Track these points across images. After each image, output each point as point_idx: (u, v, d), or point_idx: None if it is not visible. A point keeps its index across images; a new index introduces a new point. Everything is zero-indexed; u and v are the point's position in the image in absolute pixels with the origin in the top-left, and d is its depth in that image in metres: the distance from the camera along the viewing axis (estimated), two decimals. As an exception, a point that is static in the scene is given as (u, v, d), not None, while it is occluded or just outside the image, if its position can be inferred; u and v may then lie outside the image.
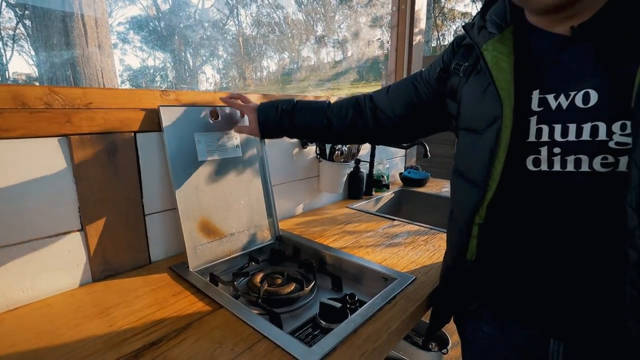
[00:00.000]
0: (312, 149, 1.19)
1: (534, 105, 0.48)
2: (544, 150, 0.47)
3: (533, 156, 0.48)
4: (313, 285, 0.77)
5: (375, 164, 1.45)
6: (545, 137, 0.47)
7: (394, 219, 1.14)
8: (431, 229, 1.05)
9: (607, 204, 0.44)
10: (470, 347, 0.65)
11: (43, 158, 0.63)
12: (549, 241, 0.49)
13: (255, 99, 0.97)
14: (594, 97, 0.44)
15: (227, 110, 0.90)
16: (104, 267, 0.73)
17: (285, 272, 0.81)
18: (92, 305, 0.64)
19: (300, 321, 0.67)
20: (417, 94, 0.70)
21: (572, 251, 0.48)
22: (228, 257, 0.85)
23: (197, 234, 0.81)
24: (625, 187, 0.41)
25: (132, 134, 0.74)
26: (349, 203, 1.33)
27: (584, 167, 0.45)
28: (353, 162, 1.28)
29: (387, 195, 1.47)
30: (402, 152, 1.72)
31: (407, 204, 1.57)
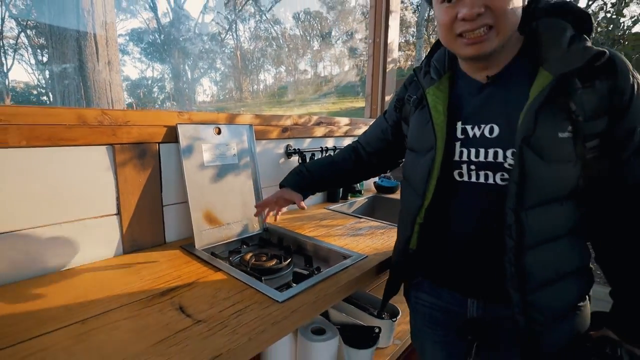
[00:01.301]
0: (295, 158, 1.44)
1: (458, 133, 0.67)
2: (464, 166, 0.66)
3: (457, 170, 0.67)
4: (289, 262, 1.02)
5: (351, 173, 1.70)
6: (464, 157, 0.66)
7: (361, 217, 1.39)
8: (389, 224, 1.30)
9: (499, 206, 0.62)
10: (415, 313, 0.85)
11: (96, 160, 0.88)
12: (467, 231, 0.68)
13: (249, 119, 1.23)
14: (496, 130, 0.63)
15: (230, 127, 1.15)
16: (132, 243, 0.97)
17: (269, 252, 1.06)
18: (126, 268, 0.87)
19: (278, 284, 0.91)
20: (385, 123, 0.91)
21: (482, 238, 0.66)
22: (225, 241, 1.10)
23: (202, 221, 1.05)
24: (507, 195, 0.60)
25: (157, 144, 0.99)
26: (327, 205, 1.58)
27: (490, 180, 0.63)
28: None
29: (360, 200, 1.73)
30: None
31: (380, 208, 1.82)
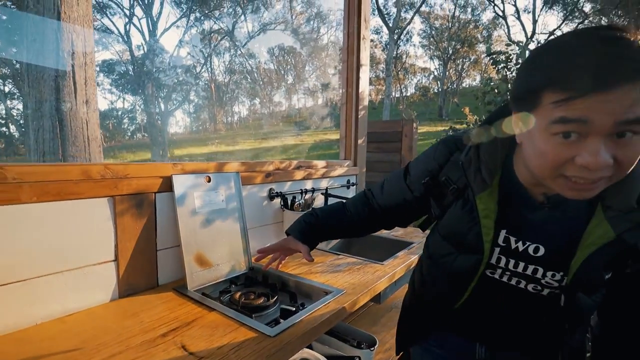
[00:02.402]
0: (277, 200, 1.56)
1: (500, 240, 0.65)
2: (498, 270, 0.68)
3: (490, 270, 0.69)
4: (276, 299, 1.11)
5: (328, 211, 1.83)
6: (502, 264, 0.67)
7: (339, 254, 1.51)
8: (364, 260, 1.43)
9: (529, 307, 0.69)
10: (419, 349, 0.89)
11: (98, 211, 0.96)
12: (493, 315, 0.74)
13: (236, 166, 1.35)
14: (541, 250, 0.62)
15: (219, 175, 1.26)
16: (127, 287, 1.03)
17: (257, 291, 1.14)
18: (124, 311, 0.94)
19: (267, 320, 1.00)
20: (408, 193, 0.81)
21: (503, 322, 0.74)
22: (215, 282, 1.17)
23: (194, 263, 1.13)
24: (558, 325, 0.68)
25: (153, 194, 1.08)
26: (306, 242, 1.68)
27: (521, 286, 0.67)
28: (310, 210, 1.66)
29: (338, 236, 1.85)
30: (351, 201, 2.13)
31: (356, 244, 1.95)
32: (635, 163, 0.47)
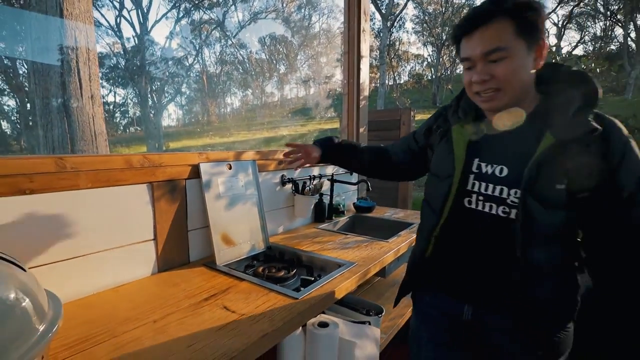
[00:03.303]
0: (289, 186, 1.69)
1: (474, 168, 0.80)
2: (474, 196, 0.79)
3: (468, 198, 0.81)
4: (295, 271, 1.25)
5: (334, 196, 1.97)
6: (475, 189, 0.79)
7: (347, 234, 1.65)
8: (370, 238, 1.57)
9: (502, 233, 0.76)
10: (417, 312, 0.99)
11: (138, 195, 1.09)
12: (470, 249, 0.82)
13: (252, 155, 1.48)
14: (505, 171, 0.75)
15: (238, 163, 1.39)
16: (164, 263, 1.16)
17: (277, 265, 1.28)
18: (165, 282, 1.07)
19: (291, 288, 1.14)
20: (410, 147, 1.05)
21: (481, 256, 0.80)
22: (239, 258, 1.31)
23: (220, 242, 1.26)
24: (514, 234, 0.73)
25: (184, 180, 1.21)
26: (316, 225, 1.82)
27: (493, 211, 0.76)
28: (318, 195, 1.79)
29: (343, 219, 1.99)
30: (353, 187, 2.27)
31: (359, 225, 2.09)
32: (510, 76, 0.70)
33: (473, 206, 0.80)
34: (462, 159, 0.81)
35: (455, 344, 0.90)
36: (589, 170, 0.68)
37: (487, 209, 0.78)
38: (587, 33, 20.18)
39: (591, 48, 19.74)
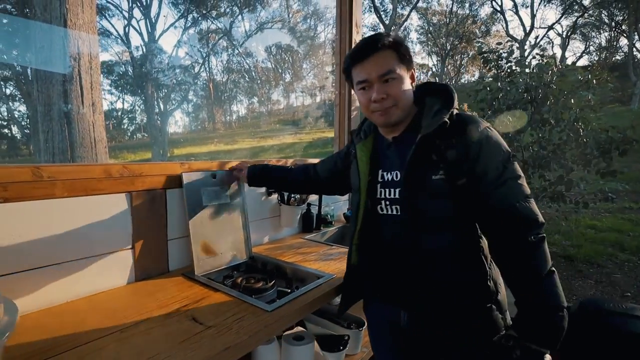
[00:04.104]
0: (275, 196, 1.69)
1: (379, 177, 0.95)
2: (383, 202, 0.94)
3: (379, 205, 0.94)
4: (273, 283, 1.24)
5: (322, 207, 1.97)
6: (383, 195, 0.94)
7: (332, 245, 1.65)
8: (355, 249, 1.56)
9: (402, 230, 0.90)
10: (368, 323, 1.13)
11: (116, 205, 1.10)
12: (384, 252, 0.95)
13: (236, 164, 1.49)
14: (398, 175, 0.91)
15: (223, 173, 1.40)
16: (142, 272, 1.17)
17: (257, 276, 1.28)
18: (141, 291, 1.07)
19: (266, 300, 1.14)
20: (336, 165, 1.21)
21: (393, 257, 0.93)
22: (219, 268, 1.31)
23: (200, 252, 1.27)
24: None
25: (164, 190, 1.22)
26: (303, 235, 1.82)
27: (394, 212, 0.91)
28: (305, 205, 1.80)
29: (332, 230, 1.99)
30: (344, 197, 2.27)
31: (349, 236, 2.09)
32: (401, 94, 0.87)
33: (384, 212, 0.94)
34: (366, 171, 0.96)
35: (400, 350, 1.01)
36: (457, 159, 0.81)
37: (392, 212, 0.92)
38: (591, 43, 20.17)
39: (596, 58, 19.69)
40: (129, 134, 21.65)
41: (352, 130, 1.06)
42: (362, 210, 0.96)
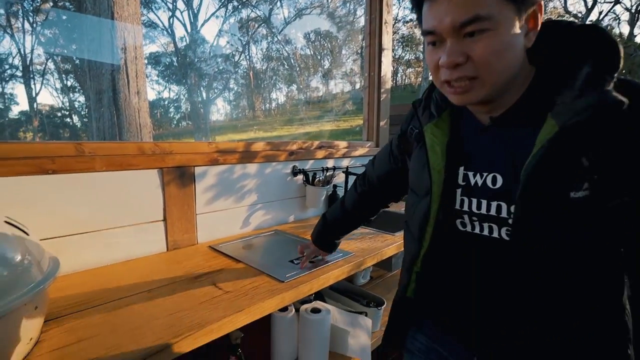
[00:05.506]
0: (300, 177, 1.73)
1: (460, 180, 0.60)
2: (466, 217, 0.59)
3: (459, 220, 0.60)
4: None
5: (348, 187, 1.98)
6: (465, 207, 0.59)
7: (355, 225, 1.66)
8: (377, 231, 1.57)
9: (505, 264, 0.55)
10: (410, 355, 0.77)
11: (149, 180, 1.19)
12: (468, 283, 0.61)
13: (262, 145, 1.54)
14: (499, 180, 0.54)
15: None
16: (173, 243, 1.27)
17: (278, 251, 1.34)
18: (170, 260, 1.17)
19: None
20: (392, 160, 0.85)
21: (485, 292, 0.59)
22: (242, 242, 1.39)
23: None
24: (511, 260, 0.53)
25: (193, 167, 1.30)
26: (328, 216, 1.85)
27: (495, 234, 0.56)
28: (330, 185, 1.82)
29: (357, 211, 2.00)
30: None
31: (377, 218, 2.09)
32: (492, 58, 0.48)
33: (468, 229, 0.60)
34: (441, 169, 0.61)
35: None
36: (621, 164, 0.46)
37: (486, 232, 0.58)
38: (667, 18, 17.87)
39: (672, 35, 17.47)
40: (174, 122, 22.80)
41: (415, 102, 0.71)
42: (431, 226, 0.63)
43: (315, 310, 1.21)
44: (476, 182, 0.58)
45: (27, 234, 0.69)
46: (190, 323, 0.77)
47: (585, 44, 0.50)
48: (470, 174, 0.59)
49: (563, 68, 0.51)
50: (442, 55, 0.51)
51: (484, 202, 0.56)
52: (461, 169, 0.60)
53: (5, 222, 0.67)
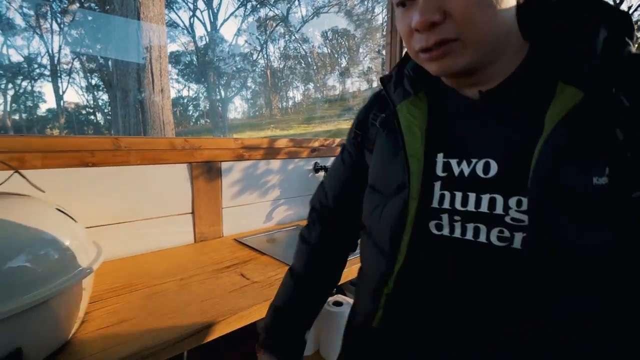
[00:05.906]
0: (322, 173, 1.76)
1: (439, 170, 0.47)
2: (445, 217, 0.46)
3: (435, 221, 0.46)
4: (316, 252, 1.32)
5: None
6: (446, 204, 0.45)
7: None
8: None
9: (500, 278, 0.42)
10: None
11: (179, 174, 1.25)
12: (450, 310, 0.46)
13: (285, 142, 1.58)
14: (493, 168, 0.42)
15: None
16: (200, 235, 1.32)
17: (300, 245, 1.37)
18: (198, 251, 1.22)
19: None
20: (350, 162, 0.65)
21: (470, 317, 0.44)
22: (266, 235, 1.43)
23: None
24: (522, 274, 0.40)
25: (219, 162, 1.35)
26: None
27: (481, 238, 0.43)
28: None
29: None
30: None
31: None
32: (475, 14, 0.39)
33: (446, 232, 0.46)
34: (421, 156, 0.47)
35: None
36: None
37: (468, 235, 0.44)
38: None
39: None
40: (193, 120, 23.26)
41: (382, 77, 0.56)
42: (407, 233, 0.47)
43: (337, 304, 1.24)
44: (461, 172, 0.45)
45: (75, 222, 0.74)
46: (222, 309, 0.81)
47: (592, 11, 0.41)
48: (454, 161, 0.46)
49: (569, 35, 0.42)
50: (414, 16, 0.41)
51: (472, 196, 0.44)
52: (440, 156, 0.47)
53: (57, 209, 0.72)
